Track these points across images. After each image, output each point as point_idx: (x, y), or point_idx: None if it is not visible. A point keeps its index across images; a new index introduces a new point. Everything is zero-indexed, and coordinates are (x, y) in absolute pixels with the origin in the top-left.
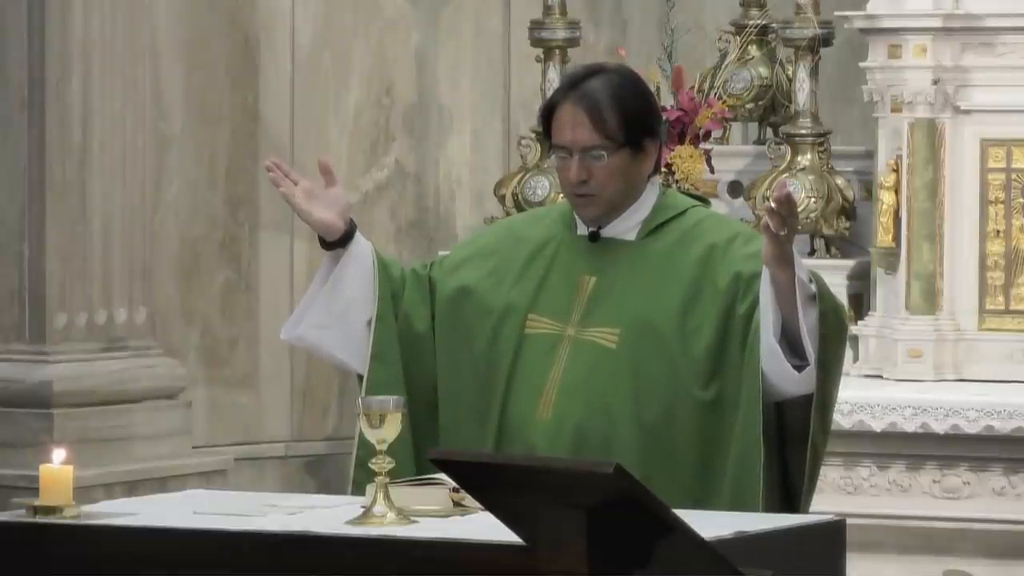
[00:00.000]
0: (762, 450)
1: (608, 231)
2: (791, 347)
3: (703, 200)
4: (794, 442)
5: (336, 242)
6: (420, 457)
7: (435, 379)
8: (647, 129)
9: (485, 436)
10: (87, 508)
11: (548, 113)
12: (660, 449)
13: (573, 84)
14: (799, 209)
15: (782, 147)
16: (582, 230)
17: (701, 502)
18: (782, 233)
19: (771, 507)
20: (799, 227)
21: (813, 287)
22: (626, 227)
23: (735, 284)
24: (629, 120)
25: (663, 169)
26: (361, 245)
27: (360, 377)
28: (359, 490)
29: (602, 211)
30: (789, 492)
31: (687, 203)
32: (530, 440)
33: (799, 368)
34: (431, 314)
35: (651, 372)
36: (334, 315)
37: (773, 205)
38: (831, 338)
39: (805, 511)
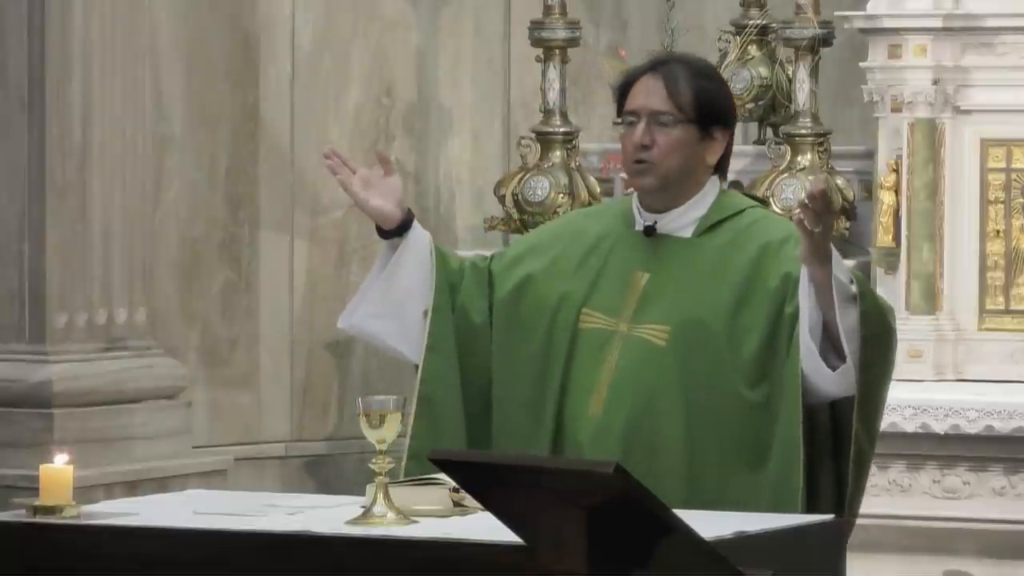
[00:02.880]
0: (802, 451)
1: (664, 227)
2: (835, 350)
3: (763, 202)
4: (843, 445)
5: (394, 231)
6: (474, 449)
7: (489, 372)
8: (719, 116)
9: (541, 432)
10: (87, 508)
11: (625, 89)
12: (707, 449)
13: (655, 64)
14: (799, 209)
15: (782, 147)
16: (639, 225)
17: (746, 502)
18: (816, 230)
19: (823, 506)
20: (836, 223)
21: (853, 288)
22: (683, 223)
23: (784, 285)
24: (703, 100)
25: None
26: (419, 235)
27: (416, 367)
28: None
29: (658, 184)
30: (840, 495)
31: (745, 203)
32: (579, 438)
33: (837, 368)
34: (488, 307)
35: (699, 371)
36: (390, 304)
37: (807, 201)
38: (872, 340)
39: (853, 516)
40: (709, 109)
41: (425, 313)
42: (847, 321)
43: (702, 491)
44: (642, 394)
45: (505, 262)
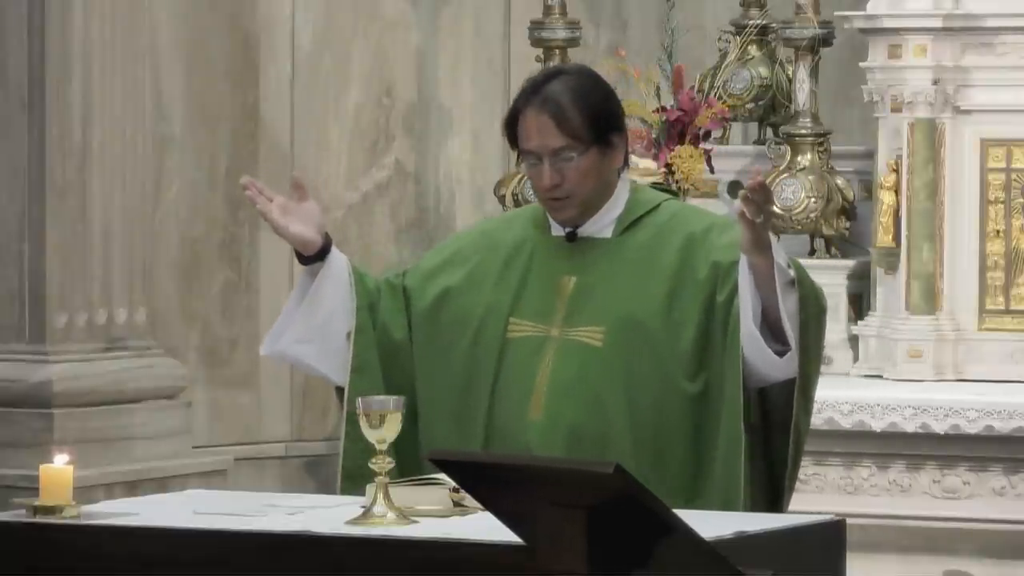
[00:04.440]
0: (743, 438)
1: (584, 230)
2: (772, 333)
3: (672, 193)
4: (777, 427)
5: (313, 256)
6: (401, 463)
7: (414, 386)
8: (612, 125)
9: (470, 440)
10: (87, 508)
11: (512, 121)
12: (653, 443)
13: (534, 90)
14: (799, 209)
15: (782, 147)
16: (557, 231)
17: (694, 494)
18: (758, 220)
19: (757, 492)
20: (776, 213)
21: (792, 272)
22: (601, 225)
23: (714, 274)
24: (594, 118)
25: (662, 170)
26: (337, 258)
27: (339, 389)
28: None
29: (578, 212)
30: (774, 478)
31: (659, 197)
32: (522, 441)
33: (780, 353)
34: (407, 322)
35: (640, 368)
36: (314, 329)
37: (748, 193)
38: (811, 322)
39: (788, 496)
40: (602, 124)
41: (348, 335)
42: (788, 305)
43: (651, 486)
44: (584, 396)
45: (419, 276)
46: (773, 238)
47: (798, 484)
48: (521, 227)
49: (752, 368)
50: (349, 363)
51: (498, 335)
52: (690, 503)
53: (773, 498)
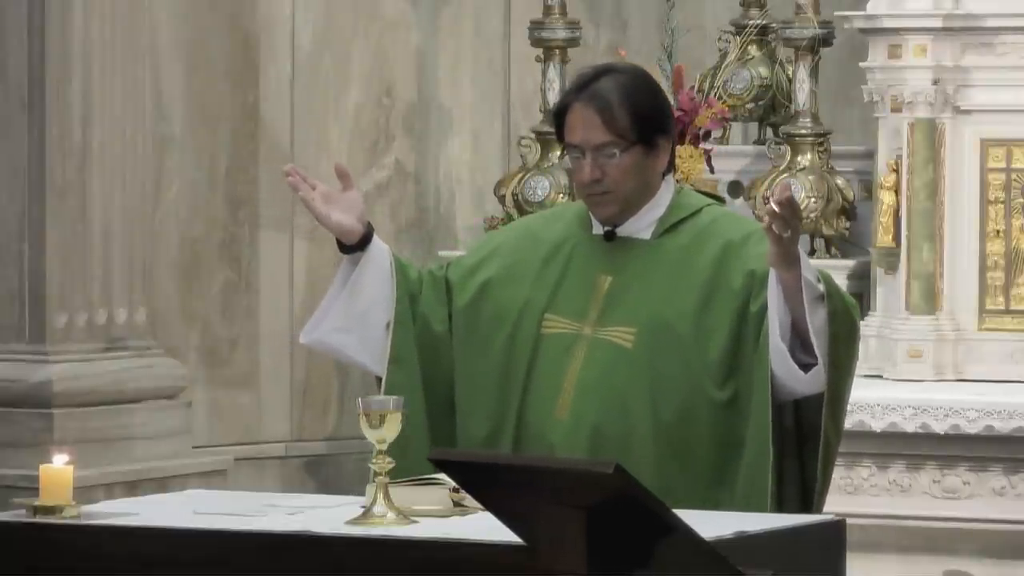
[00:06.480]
0: (771, 451)
1: (623, 230)
2: (804, 346)
3: (718, 199)
4: (809, 440)
5: (354, 245)
6: None
7: (452, 379)
8: (659, 126)
9: (503, 436)
10: (87, 508)
11: (560, 115)
12: (676, 449)
13: (583, 85)
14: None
15: (782, 147)
16: (598, 229)
17: (716, 502)
18: (785, 235)
19: (789, 507)
20: (803, 228)
21: (821, 287)
22: (641, 226)
23: (749, 283)
24: (640, 117)
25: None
26: (379, 248)
27: (378, 379)
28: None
29: (618, 210)
30: (806, 490)
31: (702, 201)
32: (548, 440)
33: (810, 367)
34: (448, 315)
35: (667, 372)
36: (353, 318)
37: (775, 208)
38: (841, 337)
39: (819, 510)
40: (648, 124)
41: (388, 325)
42: (816, 321)
43: (671, 493)
44: (610, 397)
45: (463, 270)
46: (802, 252)
47: None
48: (564, 224)
49: (780, 382)
50: (387, 354)
51: (533, 331)
52: (710, 506)
53: (804, 504)
